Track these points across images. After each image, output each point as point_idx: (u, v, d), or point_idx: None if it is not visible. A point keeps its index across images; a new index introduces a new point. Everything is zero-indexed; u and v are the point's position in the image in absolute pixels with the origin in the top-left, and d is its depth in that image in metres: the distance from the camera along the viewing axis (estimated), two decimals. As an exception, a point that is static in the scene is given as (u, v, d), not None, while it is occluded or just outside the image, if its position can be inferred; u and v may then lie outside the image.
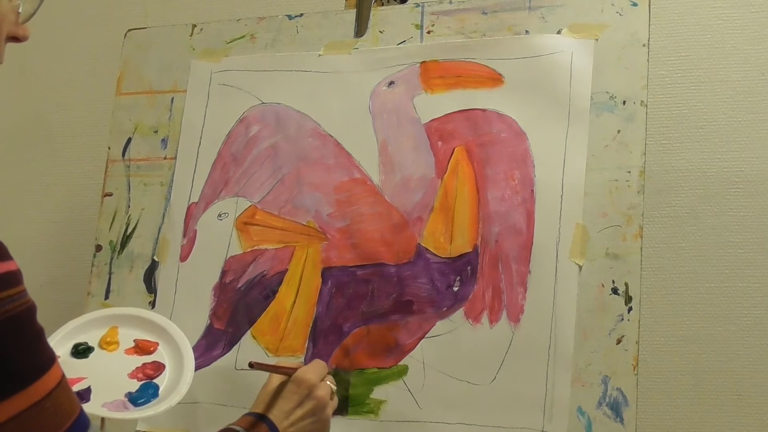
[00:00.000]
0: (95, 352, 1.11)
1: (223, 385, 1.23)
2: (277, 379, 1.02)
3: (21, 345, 0.64)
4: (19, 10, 0.73)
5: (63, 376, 0.68)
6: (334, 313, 1.22)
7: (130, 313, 1.18)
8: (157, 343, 1.14)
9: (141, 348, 1.13)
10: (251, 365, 0.99)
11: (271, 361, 1.21)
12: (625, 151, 1.14)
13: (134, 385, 1.07)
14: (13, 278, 0.65)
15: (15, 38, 0.75)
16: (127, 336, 1.14)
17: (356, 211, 1.24)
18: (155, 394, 1.06)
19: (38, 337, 0.67)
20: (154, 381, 1.08)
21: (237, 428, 0.94)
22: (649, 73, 1.16)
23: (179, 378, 1.08)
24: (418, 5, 1.30)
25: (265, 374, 1.06)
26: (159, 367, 1.11)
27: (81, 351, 1.10)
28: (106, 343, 1.13)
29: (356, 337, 1.20)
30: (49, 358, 0.67)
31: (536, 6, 1.24)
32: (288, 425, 0.98)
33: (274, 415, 0.98)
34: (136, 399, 1.05)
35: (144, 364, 1.11)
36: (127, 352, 1.12)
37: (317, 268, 1.24)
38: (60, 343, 1.11)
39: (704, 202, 1.46)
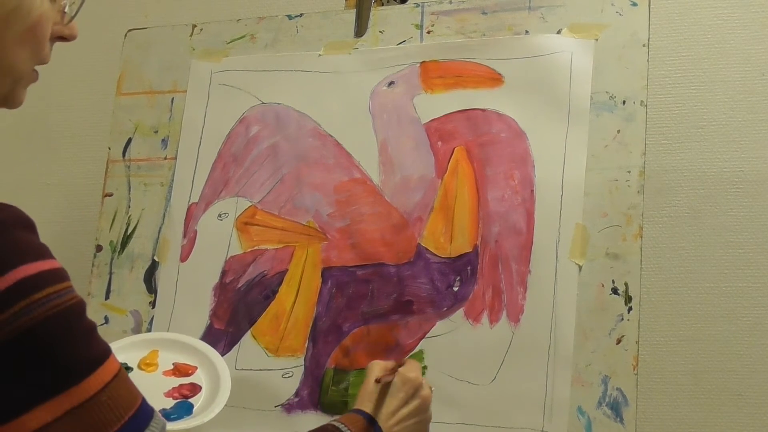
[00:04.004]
0: (134, 372, 1.13)
1: (223, 385, 1.23)
2: (374, 376, 1.00)
3: (72, 339, 0.65)
4: (65, 10, 0.74)
5: (120, 368, 0.68)
6: (334, 313, 1.22)
7: (172, 338, 1.20)
8: (196, 367, 1.14)
9: (179, 370, 1.14)
10: (378, 381, 0.98)
11: (271, 363, 1.21)
12: (625, 151, 1.14)
13: (169, 403, 1.08)
14: (59, 275, 0.66)
15: (62, 38, 0.76)
16: (167, 359, 1.15)
17: (356, 211, 1.24)
18: (189, 412, 1.07)
19: (90, 332, 0.67)
20: (190, 400, 1.09)
21: (342, 428, 0.92)
22: (649, 73, 1.16)
23: (214, 398, 1.09)
24: (418, 5, 1.30)
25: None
26: (195, 389, 1.11)
27: None
28: (145, 365, 1.14)
29: (356, 337, 1.20)
30: (103, 351, 0.67)
31: (536, 6, 1.24)
32: (393, 424, 0.97)
33: (382, 414, 0.97)
34: (169, 415, 1.06)
35: (181, 385, 1.11)
36: (165, 373, 1.13)
37: (317, 268, 1.24)
38: None
39: (704, 202, 1.45)
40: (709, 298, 1.44)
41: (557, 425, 1.09)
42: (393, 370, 1.01)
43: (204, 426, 1.21)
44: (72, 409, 0.63)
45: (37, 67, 0.77)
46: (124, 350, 1.15)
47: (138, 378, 1.11)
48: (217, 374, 1.13)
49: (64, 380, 0.63)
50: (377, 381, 0.97)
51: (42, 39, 0.73)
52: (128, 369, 1.12)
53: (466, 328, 1.15)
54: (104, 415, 0.64)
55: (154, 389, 1.10)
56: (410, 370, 1.01)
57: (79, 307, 0.66)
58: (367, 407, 0.97)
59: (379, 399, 0.98)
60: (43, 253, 0.67)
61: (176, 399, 1.09)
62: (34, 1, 0.70)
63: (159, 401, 1.08)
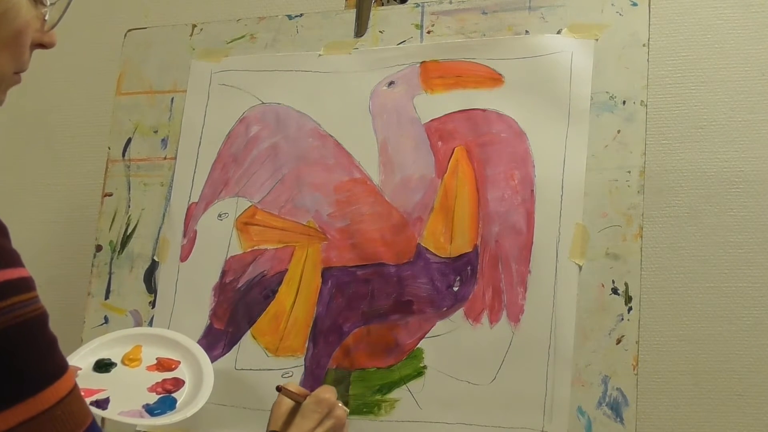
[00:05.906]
0: (117, 367, 1.14)
1: (223, 385, 1.23)
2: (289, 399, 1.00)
3: (33, 351, 0.65)
4: (46, 18, 0.74)
5: (75, 385, 0.68)
6: (334, 313, 1.22)
7: (155, 332, 1.21)
8: (179, 362, 1.15)
9: (162, 365, 1.15)
10: (279, 388, 0.97)
11: (270, 363, 1.21)
12: (625, 151, 1.14)
13: (152, 398, 1.09)
14: (25, 284, 0.66)
15: (41, 45, 0.76)
16: (150, 354, 1.17)
17: (356, 211, 1.24)
18: (172, 407, 1.07)
19: (51, 344, 0.67)
20: (173, 395, 1.10)
21: None
22: (649, 73, 1.16)
23: (197, 393, 1.09)
24: (418, 5, 1.30)
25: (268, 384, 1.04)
26: (178, 383, 1.12)
27: (103, 366, 1.13)
28: (129, 360, 1.15)
29: (356, 337, 1.20)
30: (62, 366, 0.67)
31: (536, 6, 1.24)
32: None
33: None
34: (153, 410, 1.07)
35: (164, 380, 1.13)
36: (149, 368, 1.15)
37: (317, 268, 1.24)
38: (83, 358, 1.14)
39: (704, 202, 1.46)
40: (709, 298, 1.44)
41: (557, 425, 1.09)
42: (304, 395, 1.00)
43: (200, 424, 1.22)
44: (26, 421, 0.63)
45: (37, 67, 0.77)
46: (108, 346, 1.16)
47: (122, 374, 1.12)
48: (200, 368, 1.13)
49: (21, 391, 0.63)
50: (278, 389, 0.96)
51: (24, 45, 0.73)
52: (112, 364, 1.13)
53: (466, 328, 1.15)
54: (56, 429, 0.64)
55: (138, 384, 1.11)
56: (324, 391, 1.00)
57: (43, 318, 0.66)
58: (280, 427, 0.96)
59: (291, 419, 0.97)
60: (14, 260, 0.66)
61: (159, 394, 1.10)
62: (20, 8, 0.71)
63: (142, 396, 1.09)
